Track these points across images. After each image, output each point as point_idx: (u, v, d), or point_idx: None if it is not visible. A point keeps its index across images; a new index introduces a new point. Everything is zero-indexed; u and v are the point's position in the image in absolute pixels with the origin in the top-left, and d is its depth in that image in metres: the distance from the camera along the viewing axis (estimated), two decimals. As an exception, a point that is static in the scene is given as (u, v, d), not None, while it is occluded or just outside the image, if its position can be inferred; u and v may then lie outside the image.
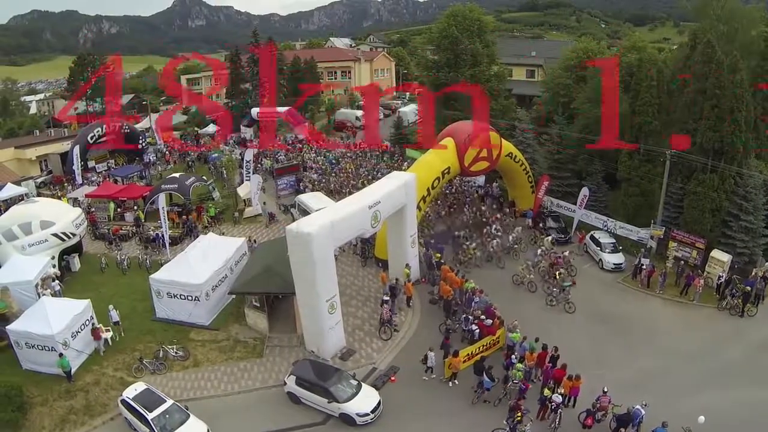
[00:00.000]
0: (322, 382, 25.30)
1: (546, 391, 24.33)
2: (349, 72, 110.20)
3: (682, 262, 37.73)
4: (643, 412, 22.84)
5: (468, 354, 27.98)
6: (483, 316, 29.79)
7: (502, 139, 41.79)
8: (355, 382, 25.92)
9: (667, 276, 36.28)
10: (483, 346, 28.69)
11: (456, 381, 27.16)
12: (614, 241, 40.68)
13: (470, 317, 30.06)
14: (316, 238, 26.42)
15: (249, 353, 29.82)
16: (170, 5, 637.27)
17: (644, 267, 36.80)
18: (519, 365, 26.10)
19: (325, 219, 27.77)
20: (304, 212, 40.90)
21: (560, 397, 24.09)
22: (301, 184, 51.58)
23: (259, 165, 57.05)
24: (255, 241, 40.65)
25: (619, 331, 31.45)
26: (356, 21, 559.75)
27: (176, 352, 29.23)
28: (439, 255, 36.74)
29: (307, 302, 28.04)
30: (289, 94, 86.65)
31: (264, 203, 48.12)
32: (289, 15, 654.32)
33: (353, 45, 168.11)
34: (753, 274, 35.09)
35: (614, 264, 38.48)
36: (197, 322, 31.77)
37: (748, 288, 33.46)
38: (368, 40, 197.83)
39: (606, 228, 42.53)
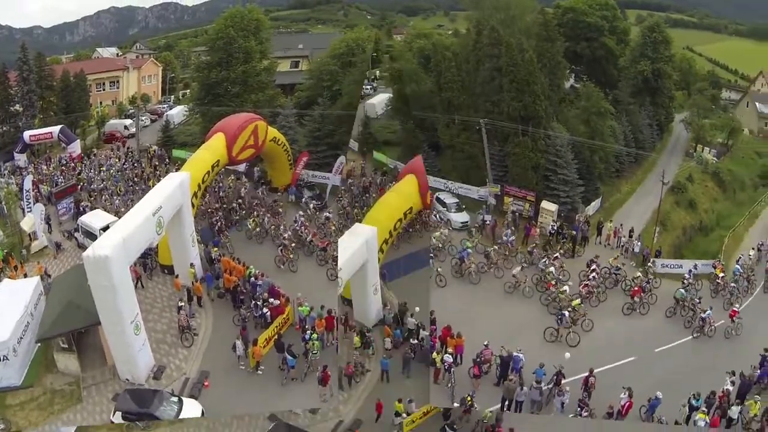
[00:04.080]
0: (146, 409, 24.63)
1: (435, 356, 26.00)
2: (118, 82, 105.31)
3: (518, 214, 41.66)
4: (523, 358, 25.27)
5: (266, 339, 28.70)
6: (271, 299, 30.54)
7: (268, 126, 43.57)
8: (175, 399, 25.52)
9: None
10: (276, 326, 29.60)
11: (263, 368, 27.80)
12: (458, 200, 43.56)
13: (258, 303, 30.46)
14: (113, 260, 25.24)
15: (68, 402, 27.19)
16: None
17: (487, 222, 40.05)
18: (314, 336, 27.36)
19: (117, 237, 26.39)
20: (89, 234, 38.61)
21: (450, 356, 25.60)
22: (81, 204, 47.15)
23: (37, 192, 52.86)
24: (50, 276, 36.98)
25: (482, 287, 33.87)
26: (122, 29, 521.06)
27: (-5, 427, 25.85)
28: (216, 249, 36.69)
29: (114, 329, 26.56)
30: (59, 111, 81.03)
31: (50, 233, 44.23)
32: (53, 27, 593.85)
33: (120, 54, 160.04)
34: (576, 219, 40.04)
35: (461, 222, 41.17)
36: (10, 385, 28.14)
37: (574, 232, 38.48)
38: (134, 47, 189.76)
39: (448, 189, 45.27)
